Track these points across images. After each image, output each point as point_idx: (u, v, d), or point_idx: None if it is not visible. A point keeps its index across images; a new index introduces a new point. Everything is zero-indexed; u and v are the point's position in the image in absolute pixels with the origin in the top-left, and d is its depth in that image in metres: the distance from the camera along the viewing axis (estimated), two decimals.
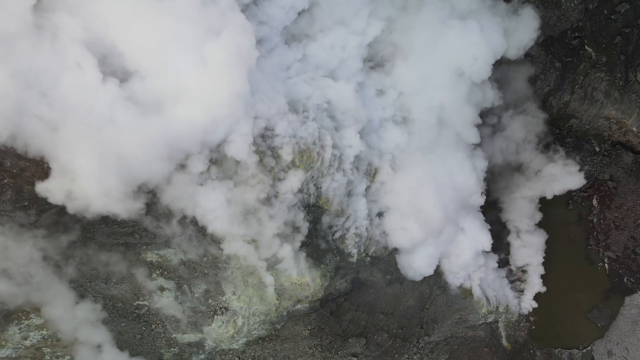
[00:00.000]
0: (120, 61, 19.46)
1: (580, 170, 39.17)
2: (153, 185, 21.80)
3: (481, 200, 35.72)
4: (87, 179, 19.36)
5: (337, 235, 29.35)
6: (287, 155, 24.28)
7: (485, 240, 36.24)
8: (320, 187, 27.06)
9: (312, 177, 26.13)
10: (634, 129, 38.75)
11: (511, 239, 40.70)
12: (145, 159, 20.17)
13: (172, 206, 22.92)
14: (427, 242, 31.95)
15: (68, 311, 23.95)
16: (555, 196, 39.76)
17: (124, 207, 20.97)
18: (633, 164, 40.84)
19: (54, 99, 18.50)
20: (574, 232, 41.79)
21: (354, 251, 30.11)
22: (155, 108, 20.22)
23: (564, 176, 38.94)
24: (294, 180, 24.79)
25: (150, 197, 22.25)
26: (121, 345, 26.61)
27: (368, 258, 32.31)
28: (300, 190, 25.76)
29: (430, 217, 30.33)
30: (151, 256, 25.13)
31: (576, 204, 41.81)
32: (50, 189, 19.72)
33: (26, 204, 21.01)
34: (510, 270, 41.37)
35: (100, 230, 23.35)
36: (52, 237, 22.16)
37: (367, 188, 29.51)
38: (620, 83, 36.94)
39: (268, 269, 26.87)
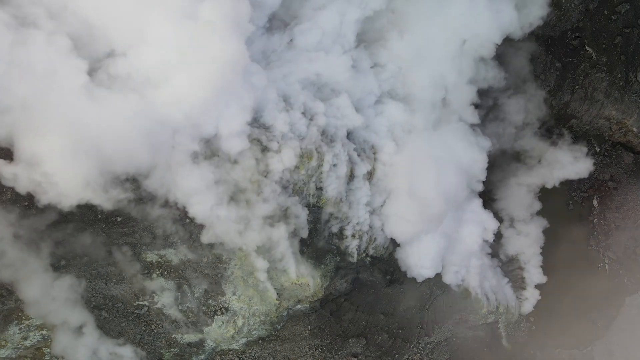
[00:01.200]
0: (93, 42, 17.23)
1: (587, 155, 36.37)
2: (139, 171, 20.12)
3: (480, 187, 33.78)
4: (57, 163, 17.31)
5: (335, 228, 29.04)
6: (282, 125, 23.28)
7: (490, 225, 34.59)
8: (322, 188, 26.95)
9: (311, 154, 24.88)
10: (635, 129, 38.69)
11: (502, 228, 39.06)
12: (129, 145, 18.32)
13: (157, 191, 21.33)
14: (428, 235, 30.68)
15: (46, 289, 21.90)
16: (555, 197, 39.42)
17: (105, 197, 19.29)
18: (633, 164, 40.79)
19: (16, 64, 16.14)
20: (574, 233, 41.75)
21: (354, 244, 29.79)
22: (139, 86, 18.36)
23: (569, 162, 36.39)
24: (288, 153, 23.40)
25: (136, 184, 21.33)
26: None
27: (368, 258, 32.25)
28: (297, 167, 24.65)
29: (430, 204, 28.94)
30: (151, 256, 25.10)
31: (576, 204, 41.75)
32: (8, 174, 17.63)
33: (26, 204, 20.99)
34: (501, 260, 40.13)
35: (100, 230, 23.32)
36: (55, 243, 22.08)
37: (371, 173, 28.53)
38: (621, 83, 36.92)
39: (259, 254, 25.78)
